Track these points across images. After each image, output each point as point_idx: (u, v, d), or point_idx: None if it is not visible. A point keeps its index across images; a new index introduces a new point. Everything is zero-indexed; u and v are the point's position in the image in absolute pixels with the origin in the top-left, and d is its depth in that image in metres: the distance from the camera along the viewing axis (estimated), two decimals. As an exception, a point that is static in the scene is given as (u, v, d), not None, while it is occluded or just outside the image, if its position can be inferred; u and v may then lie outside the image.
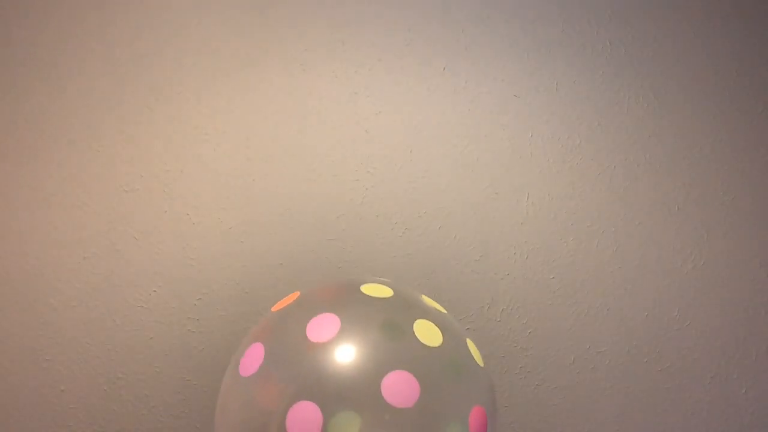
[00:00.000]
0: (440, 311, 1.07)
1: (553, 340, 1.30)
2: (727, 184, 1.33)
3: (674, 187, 1.33)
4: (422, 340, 0.97)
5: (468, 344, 1.04)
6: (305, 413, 0.90)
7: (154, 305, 1.27)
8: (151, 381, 1.26)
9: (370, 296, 1.02)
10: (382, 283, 1.06)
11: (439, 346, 0.98)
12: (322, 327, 0.96)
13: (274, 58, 1.31)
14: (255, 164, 1.30)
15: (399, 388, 0.92)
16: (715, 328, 1.31)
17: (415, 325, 0.99)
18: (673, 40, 1.34)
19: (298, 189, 1.30)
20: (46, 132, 1.29)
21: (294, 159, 1.30)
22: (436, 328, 1.00)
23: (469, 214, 1.31)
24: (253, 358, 0.98)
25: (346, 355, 0.94)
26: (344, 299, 1.02)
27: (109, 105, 1.29)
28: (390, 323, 0.99)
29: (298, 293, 1.07)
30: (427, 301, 1.08)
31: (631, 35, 1.34)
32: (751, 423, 1.31)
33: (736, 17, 1.35)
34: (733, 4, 1.35)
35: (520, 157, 1.32)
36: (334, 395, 0.91)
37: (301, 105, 1.31)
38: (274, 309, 1.06)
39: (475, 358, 1.04)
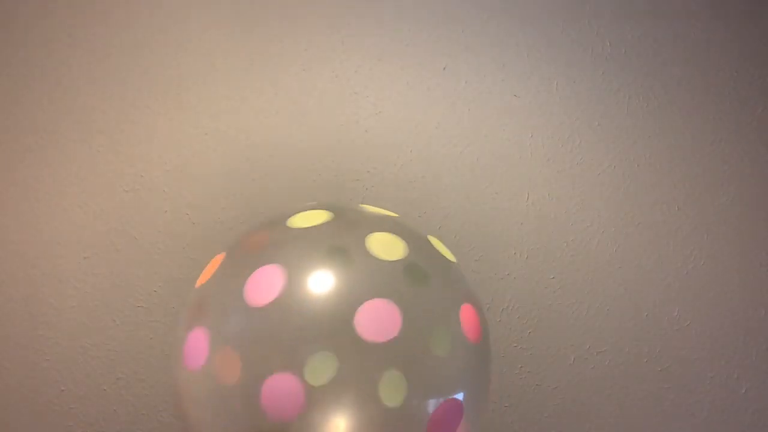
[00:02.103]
0: (392, 217, 0.99)
1: (553, 340, 1.30)
2: (727, 184, 1.33)
3: (674, 187, 1.33)
4: (380, 256, 0.89)
5: (432, 242, 0.98)
6: (282, 385, 0.83)
7: (154, 305, 1.27)
8: (151, 381, 1.26)
9: (303, 227, 0.92)
10: (314, 207, 0.96)
11: (403, 258, 0.90)
12: (260, 286, 0.86)
13: (274, 58, 1.31)
14: (255, 164, 1.30)
15: (375, 318, 0.84)
16: (715, 328, 1.31)
17: (367, 241, 0.90)
18: (673, 40, 1.34)
19: (298, 189, 1.30)
20: (46, 132, 1.29)
21: (294, 159, 1.30)
22: (394, 237, 0.91)
23: (469, 214, 1.31)
24: (197, 349, 0.89)
25: (304, 304, 0.85)
26: (275, 243, 0.91)
27: (110, 105, 1.29)
28: (335, 249, 0.89)
29: (222, 255, 0.97)
30: (372, 210, 1.00)
31: (631, 35, 1.34)
32: (751, 423, 1.31)
33: (736, 17, 1.35)
34: (733, 4, 1.35)
35: (520, 157, 1.32)
36: (306, 344, 0.83)
37: (301, 105, 1.31)
38: (199, 284, 0.97)
39: (445, 255, 0.97)
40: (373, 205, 1.30)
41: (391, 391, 0.84)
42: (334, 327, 0.85)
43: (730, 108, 1.34)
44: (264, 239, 0.95)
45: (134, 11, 1.31)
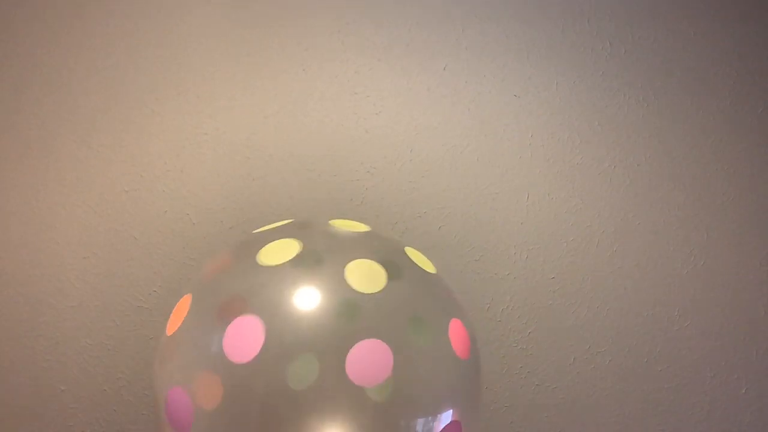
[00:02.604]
0: (364, 234, 0.96)
1: (553, 340, 1.30)
2: (727, 184, 1.33)
3: (674, 187, 1.33)
4: (361, 290, 0.85)
5: (409, 255, 0.95)
6: None
7: (154, 305, 1.27)
8: (151, 381, 1.26)
9: (271, 266, 0.87)
10: (282, 235, 0.90)
11: (384, 287, 0.86)
12: (239, 341, 0.82)
13: (274, 58, 1.31)
14: (255, 164, 1.30)
15: (368, 360, 0.81)
16: (715, 328, 1.31)
17: (345, 273, 0.85)
18: (673, 40, 1.34)
19: (298, 189, 1.30)
20: (46, 132, 1.29)
21: (294, 159, 1.30)
22: (372, 264, 0.87)
23: (469, 214, 1.31)
24: (181, 410, 0.85)
25: (288, 357, 0.81)
26: (247, 289, 0.86)
27: (110, 105, 1.29)
28: (312, 289, 0.83)
29: (189, 297, 0.91)
30: (341, 226, 0.96)
31: (631, 35, 1.34)
32: (751, 423, 1.31)
33: (736, 17, 1.35)
34: (733, 4, 1.35)
35: (520, 157, 1.32)
36: (296, 398, 0.80)
37: (301, 105, 1.31)
38: (170, 331, 0.92)
39: (424, 267, 0.94)
40: (372, 206, 1.30)
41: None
42: (324, 376, 0.81)
43: (730, 108, 1.34)
44: (231, 272, 0.90)
45: (134, 11, 1.31)
